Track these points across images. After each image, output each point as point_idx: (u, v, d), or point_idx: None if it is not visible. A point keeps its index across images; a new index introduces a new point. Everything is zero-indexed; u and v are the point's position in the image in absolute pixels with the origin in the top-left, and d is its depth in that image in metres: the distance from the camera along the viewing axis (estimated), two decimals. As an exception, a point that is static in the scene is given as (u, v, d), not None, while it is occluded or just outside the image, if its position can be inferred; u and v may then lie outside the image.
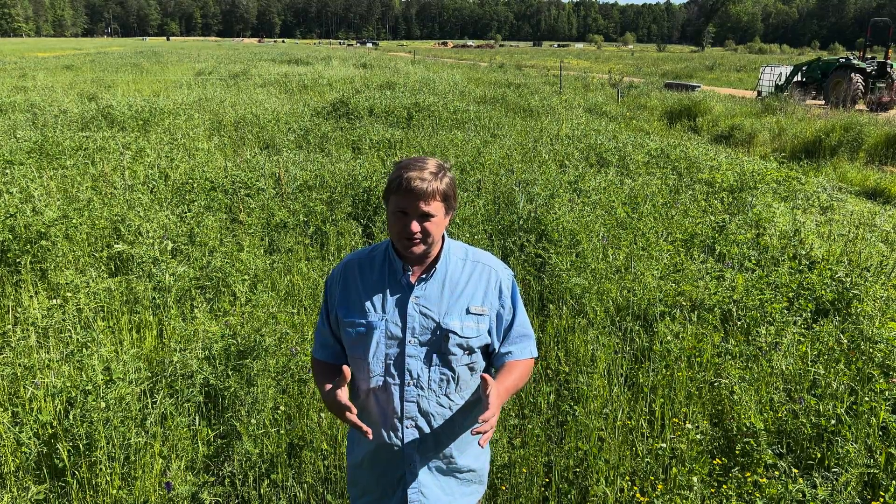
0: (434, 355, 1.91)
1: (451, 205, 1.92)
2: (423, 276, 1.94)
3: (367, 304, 1.93)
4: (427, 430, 1.95)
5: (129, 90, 20.80)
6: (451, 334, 1.90)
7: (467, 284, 1.96)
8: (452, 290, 1.94)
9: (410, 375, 1.91)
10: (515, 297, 2.03)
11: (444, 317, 1.91)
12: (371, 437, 1.79)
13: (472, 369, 1.98)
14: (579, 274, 5.28)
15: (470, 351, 1.95)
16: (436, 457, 1.99)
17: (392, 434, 1.94)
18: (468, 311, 1.93)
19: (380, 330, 1.91)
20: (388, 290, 1.94)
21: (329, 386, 1.90)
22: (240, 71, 28.95)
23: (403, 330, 1.90)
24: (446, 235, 2.01)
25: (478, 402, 2.04)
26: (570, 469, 3.37)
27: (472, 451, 2.07)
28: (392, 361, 1.91)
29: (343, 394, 1.82)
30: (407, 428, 1.93)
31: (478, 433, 1.69)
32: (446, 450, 1.99)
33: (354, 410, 1.80)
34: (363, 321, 1.93)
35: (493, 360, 2.05)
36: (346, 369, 1.82)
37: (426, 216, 1.84)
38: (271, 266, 5.55)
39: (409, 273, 1.94)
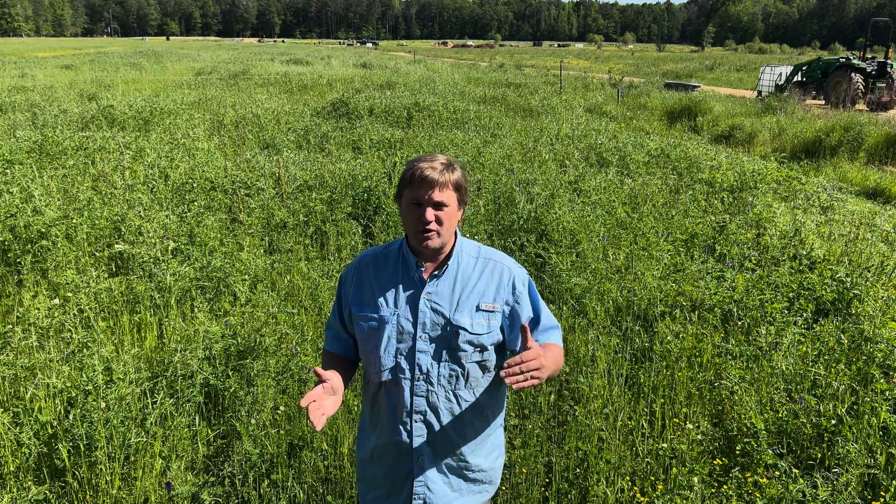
0: (444, 351, 1.94)
1: (463, 197, 1.96)
2: (436, 272, 1.97)
3: (380, 299, 1.97)
4: (436, 425, 1.96)
5: (128, 90, 20.79)
6: (460, 330, 1.93)
7: (478, 281, 1.99)
8: (464, 286, 1.97)
9: (420, 370, 1.93)
10: (533, 293, 2.05)
11: (455, 313, 1.94)
12: (317, 428, 1.74)
13: (483, 367, 1.99)
14: (579, 274, 5.28)
15: (481, 348, 1.96)
16: (445, 453, 2.00)
17: (401, 428, 1.96)
18: (478, 308, 1.96)
19: (391, 325, 1.94)
20: (400, 286, 1.97)
21: (329, 373, 1.89)
22: (240, 71, 28.95)
23: (415, 325, 1.93)
24: (459, 233, 2.04)
25: (491, 401, 2.06)
26: (570, 469, 3.37)
27: (484, 451, 2.08)
28: (403, 356, 1.94)
29: (325, 386, 1.83)
30: (416, 422, 1.95)
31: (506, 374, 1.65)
32: (456, 447, 2.00)
33: (315, 394, 1.78)
34: (375, 315, 1.96)
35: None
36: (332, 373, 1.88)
37: (439, 205, 1.88)
38: (271, 266, 5.55)
39: (422, 269, 1.97)
